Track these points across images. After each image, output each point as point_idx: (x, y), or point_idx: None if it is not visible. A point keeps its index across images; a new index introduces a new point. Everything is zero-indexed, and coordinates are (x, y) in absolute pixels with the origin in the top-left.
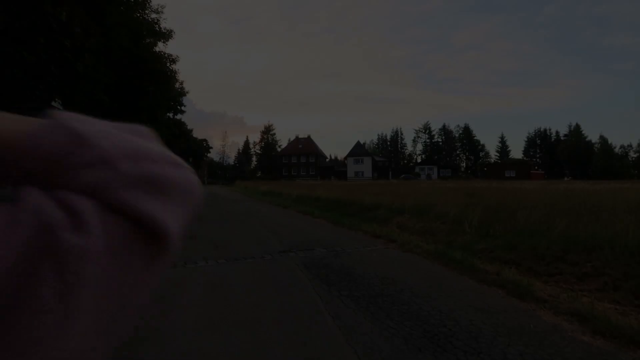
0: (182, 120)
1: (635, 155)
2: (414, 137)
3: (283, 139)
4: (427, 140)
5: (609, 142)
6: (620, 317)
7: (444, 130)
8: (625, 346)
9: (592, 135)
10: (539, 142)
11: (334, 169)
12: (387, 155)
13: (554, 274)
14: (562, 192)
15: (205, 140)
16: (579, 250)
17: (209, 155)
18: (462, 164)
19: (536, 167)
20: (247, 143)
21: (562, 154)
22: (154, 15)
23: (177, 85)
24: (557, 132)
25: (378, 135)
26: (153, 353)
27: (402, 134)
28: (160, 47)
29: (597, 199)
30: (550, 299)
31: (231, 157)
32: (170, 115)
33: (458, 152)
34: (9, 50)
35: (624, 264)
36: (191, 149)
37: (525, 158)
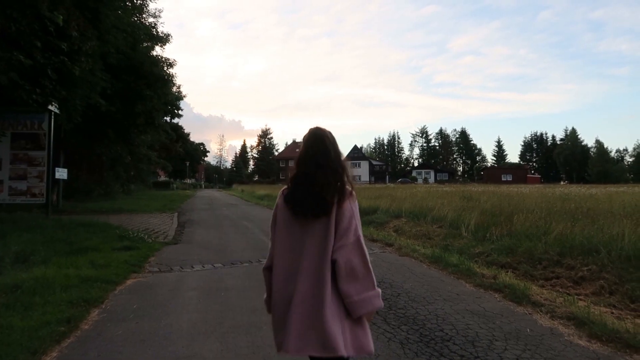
0: (180, 124)
1: (631, 160)
2: (411, 141)
3: (280, 142)
4: (424, 144)
5: (605, 146)
6: (616, 321)
7: (441, 134)
8: (622, 350)
9: (588, 140)
10: (536, 146)
11: None
12: (384, 159)
13: (551, 277)
14: (558, 196)
15: (202, 144)
16: (576, 254)
17: (206, 159)
18: (459, 168)
19: (532, 171)
20: (244, 147)
21: (558, 158)
22: (151, 20)
23: (174, 89)
24: (553, 137)
25: (375, 139)
26: (149, 357)
27: (399, 137)
28: (157, 51)
29: (593, 202)
30: (547, 303)
31: (228, 161)
32: (168, 119)
33: (455, 156)
34: (5, 54)
35: (620, 267)
36: (188, 152)
37: (521, 162)
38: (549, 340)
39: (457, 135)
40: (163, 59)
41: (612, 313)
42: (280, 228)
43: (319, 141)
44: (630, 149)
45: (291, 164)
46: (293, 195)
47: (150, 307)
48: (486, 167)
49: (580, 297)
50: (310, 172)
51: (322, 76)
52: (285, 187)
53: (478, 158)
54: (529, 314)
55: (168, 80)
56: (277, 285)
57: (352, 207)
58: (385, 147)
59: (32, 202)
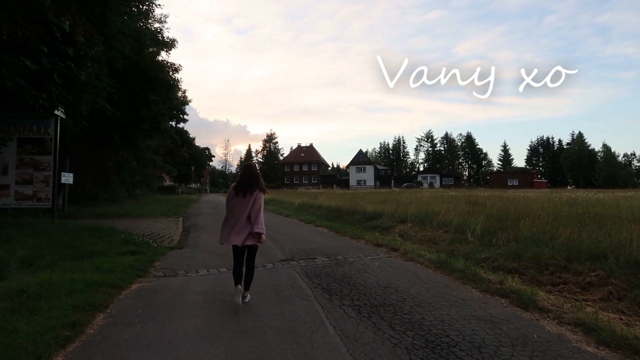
0: (185, 128)
1: (639, 164)
2: (416, 146)
3: (285, 147)
4: (430, 149)
5: (612, 150)
6: (624, 328)
7: (446, 138)
8: (631, 357)
9: (595, 144)
10: (542, 150)
11: (336, 178)
12: (389, 163)
13: (558, 283)
14: (565, 200)
15: (207, 148)
16: (583, 259)
17: (211, 163)
18: (464, 173)
19: (539, 176)
20: (249, 151)
21: (565, 163)
22: (157, 25)
23: (179, 94)
24: (560, 141)
25: (380, 143)
26: None
27: (404, 142)
28: (163, 56)
29: (601, 207)
30: (554, 309)
31: (234, 166)
32: (173, 123)
33: (460, 160)
34: (12, 59)
35: (628, 273)
36: (194, 157)
37: (528, 167)
38: (557, 347)
39: (463, 140)
40: (169, 64)
41: (621, 319)
42: (229, 201)
43: (254, 167)
44: (638, 154)
45: (296, 168)
46: (240, 187)
47: (155, 311)
48: (492, 171)
49: (588, 302)
50: (249, 179)
51: (327, 81)
52: (235, 183)
53: (484, 162)
54: (536, 319)
55: (173, 85)
56: (228, 222)
57: (262, 196)
58: (391, 151)
59: (38, 207)
